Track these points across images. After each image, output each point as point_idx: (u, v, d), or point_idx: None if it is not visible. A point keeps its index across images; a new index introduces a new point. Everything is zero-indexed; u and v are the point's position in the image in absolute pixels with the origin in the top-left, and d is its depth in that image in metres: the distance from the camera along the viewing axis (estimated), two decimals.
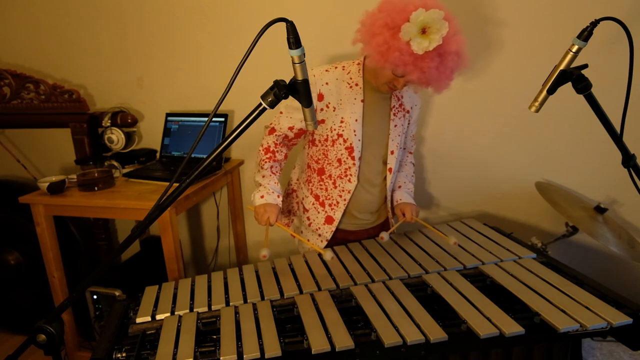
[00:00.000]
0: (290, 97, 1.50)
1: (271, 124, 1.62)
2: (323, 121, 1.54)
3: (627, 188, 1.68)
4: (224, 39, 2.15)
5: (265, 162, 1.60)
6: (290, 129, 1.58)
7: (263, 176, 1.60)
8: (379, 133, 1.57)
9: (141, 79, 2.31)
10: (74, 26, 2.29)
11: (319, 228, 1.66)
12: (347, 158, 1.55)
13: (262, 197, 1.56)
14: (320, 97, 1.50)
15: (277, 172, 1.62)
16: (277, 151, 1.61)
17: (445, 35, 1.25)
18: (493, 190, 2.12)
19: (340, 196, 1.61)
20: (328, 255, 1.41)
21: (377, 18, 1.31)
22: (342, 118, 1.51)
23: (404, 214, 1.64)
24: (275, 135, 1.61)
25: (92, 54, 2.32)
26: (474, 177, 2.12)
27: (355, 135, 1.52)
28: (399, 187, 1.71)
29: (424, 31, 1.25)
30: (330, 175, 1.60)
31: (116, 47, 2.28)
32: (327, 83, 1.49)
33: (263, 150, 1.61)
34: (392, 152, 1.59)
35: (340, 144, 1.54)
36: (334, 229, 1.64)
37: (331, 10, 1.99)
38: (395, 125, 1.58)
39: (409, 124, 1.65)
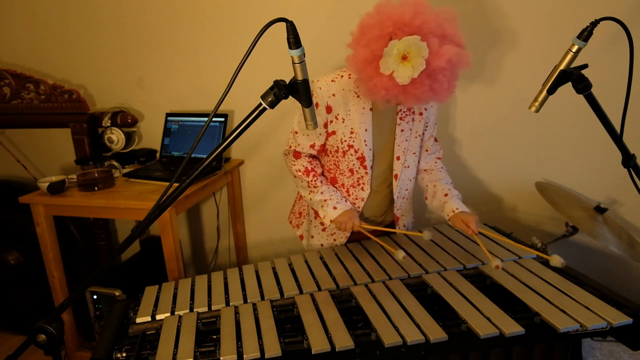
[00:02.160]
0: (299, 116, 1.52)
1: (290, 147, 1.59)
2: (334, 133, 1.51)
3: (627, 188, 1.67)
4: (224, 39, 2.15)
5: (314, 180, 1.56)
6: (312, 146, 1.56)
7: (322, 192, 1.55)
8: (387, 139, 1.54)
9: (141, 79, 2.31)
10: (74, 26, 2.29)
11: (334, 233, 1.66)
12: (359, 168, 1.54)
13: (334, 208, 1.52)
14: (329, 110, 1.47)
15: (327, 183, 1.60)
16: (315, 166, 1.59)
17: (429, 54, 1.18)
18: (493, 190, 2.12)
19: (354, 203, 1.60)
20: (400, 255, 1.37)
21: (359, 51, 1.26)
22: (351, 129, 1.49)
23: (467, 225, 1.48)
24: (304, 156, 1.59)
25: (92, 54, 2.32)
26: (474, 177, 2.12)
27: (366, 145, 1.50)
28: (445, 195, 1.57)
29: (405, 57, 1.20)
30: (343, 185, 1.59)
31: (116, 47, 2.28)
32: (333, 95, 1.46)
33: (303, 173, 1.57)
34: (397, 158, 1.56)
35: (351, 154, 1.52)
36: (348, 234, 1.64)
37: (331, 10, 1.99)
38: (402, 130, 1.53)
39: (426, 126, 1.59)
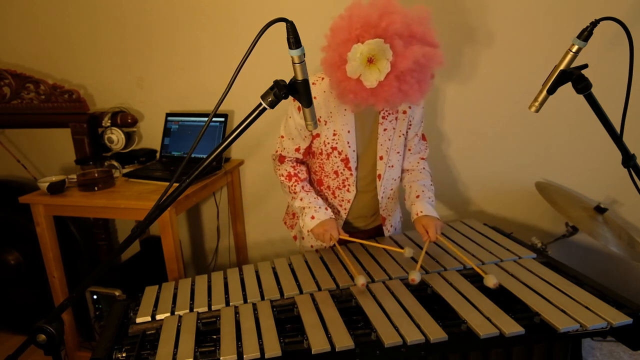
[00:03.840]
0: (285, 121, 1.52)
1: (277, 151, 1.59)
2: (318, 135, 1.51)
3: (627, 188, 1.67)
4: (224, 39, 2.15)
5: (294, 186, 1.55)
6: (297, 150, 1.55)
7: (301, 199, 1.53)
8: (370, 139, 1.53)
9: (141, 79, 2.31)
10: (74, 26, 2.30)
11: None
12: (343, 169, 1.53)
13: (312, 217, 1.48)
14: None
15: (310, 189, 1.57)
16: (299, 172, 1.58)
17: (394, 56, 1.18)
18: (493, 190, 2.12)
19: (341, 205, 1.60)
20: (361, 280, 1.31)
21: (329, 54, 1.27)
22: (334, 131, 1.48)
23: (427, 231, 1.46)
24: (288, 160, 1.59)
25: (92, 54, 2.32)
26: (474, 177, 2.12)
27: (349, 146, 1.49)
28: (417, 196, 1.55)
29: (371, 60, 1.20)
30: (328, 187, 1.59)
31: (116, 47, 2.28)
32: (314, 97, 1.43)
33: (285, 178, 1.56)
34: (380, 158, 1.54)
35: (335, 156, 1.51)
36: (328, 246, 1.63)
37: (331, 10, 1.99)
38: (385, 129, 1.51)
39: (410, 124, 1.56)
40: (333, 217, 1.52)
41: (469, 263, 1.40)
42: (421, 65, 1.22)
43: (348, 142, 1.49)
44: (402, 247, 1.45)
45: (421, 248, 1.46)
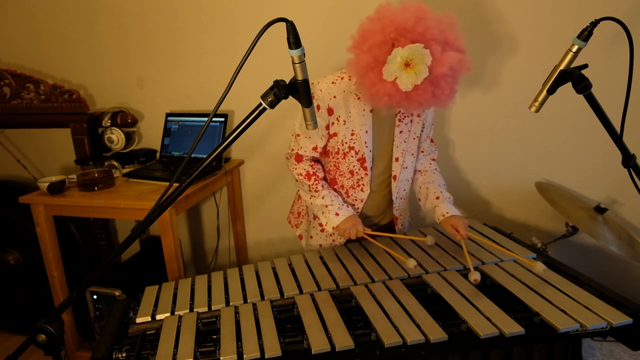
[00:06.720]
0: (300, 120, 1.51)
1: (292, 150, 1.58)
2: (335, 134, 1.51)
3: (627, 188, 1.67)
4: (224, 39, 2.15)
5: (315, 184, 1.55)
6: (315, 149, 1.55)
7: (323, 197, 1.53)
8: (386, 141, 1.55)
9: (141, 79, 2.31)
10: (74, 26, 2.30)
11: (333, 233, 1.65)
12: (359, 169, 1.54)
13: (337, 214, 1.50)
14: (330, 112, 1.47)
15: (329, 188, 1.58)
16: (317, 170, 1.58)
17: (431, 61, 1.19)
18: (493, 190, 2.12)
19: (353, 205, 1.60)
20: (411, 263, 1.39)
21: (361, 56, 1.26)
22: (352, 130, 1.49)
23: (457, 230, 1.51)
24: (306, 159, 1.58)
25: (92, 54, 2.32)
26: (474, 177, 2.12)
27: (366, 146, 1.50)
28: (437, 197, 1.59)
29: (407, 64, 1.21)
30: (342, 186, 1.59)
31: (116, 47, 2.28)
32: (334, 97, 1.45)
33: (304, 177, 1.55)
34: (396, 159, 1.56)
35: (352, 156, 1.52)
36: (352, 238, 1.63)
37: (331, 10, 1.99)
38: (401, 132, 1.54)
39: (423, 127, 1.59)
40: (355, 213, 1.54)
41: (509, 253, 1.47)
42: (455, 71, 1.24)
43: (365, 142, 1.50)
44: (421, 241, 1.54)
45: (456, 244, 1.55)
